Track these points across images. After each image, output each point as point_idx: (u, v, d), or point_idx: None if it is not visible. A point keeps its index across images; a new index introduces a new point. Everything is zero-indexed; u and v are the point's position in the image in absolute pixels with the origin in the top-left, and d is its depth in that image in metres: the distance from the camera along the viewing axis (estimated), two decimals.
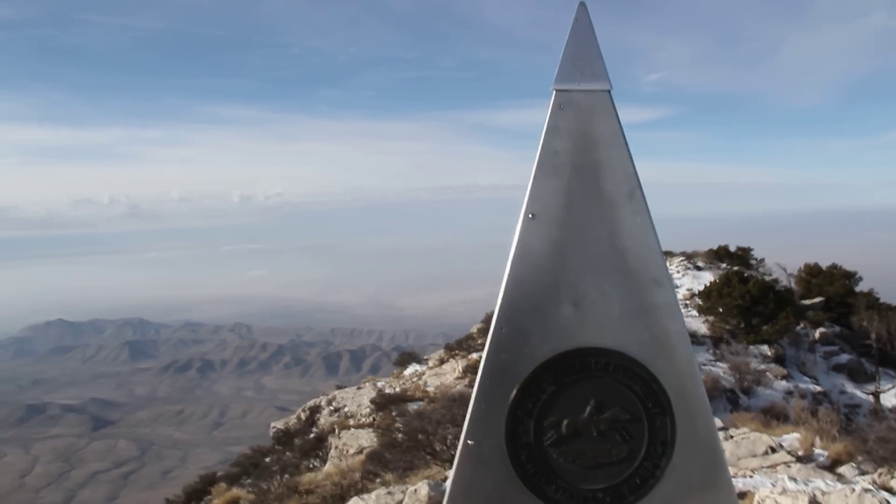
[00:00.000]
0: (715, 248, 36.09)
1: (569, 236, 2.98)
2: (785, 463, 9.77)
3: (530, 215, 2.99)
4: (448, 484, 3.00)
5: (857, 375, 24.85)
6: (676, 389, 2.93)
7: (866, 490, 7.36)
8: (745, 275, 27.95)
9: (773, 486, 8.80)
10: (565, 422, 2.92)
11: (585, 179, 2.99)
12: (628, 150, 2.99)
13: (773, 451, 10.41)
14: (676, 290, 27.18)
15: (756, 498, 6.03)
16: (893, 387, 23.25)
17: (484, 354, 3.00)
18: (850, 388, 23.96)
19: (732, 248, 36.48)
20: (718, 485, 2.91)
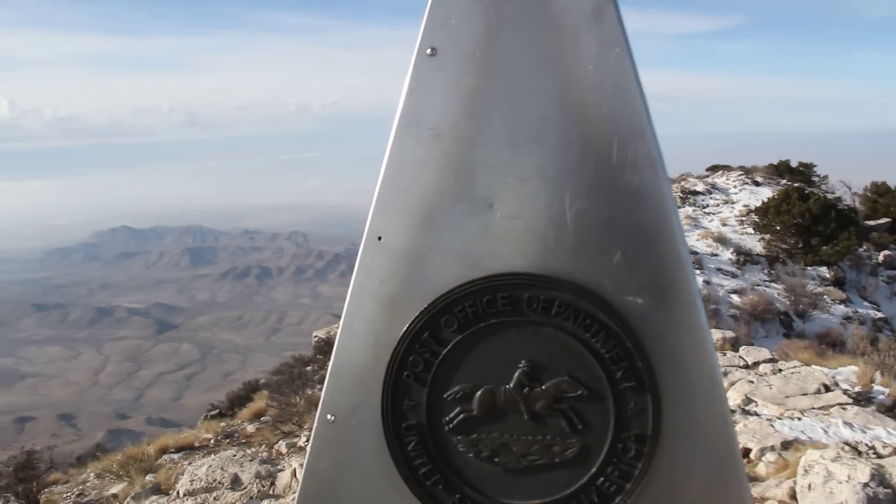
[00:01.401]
0: (776, 163, 34.09)
1: (491, 87, 1.77)
2: (840, 404, 8.51)
3: (428, 51, 1.77)
4: (299, 480, 1.92)
5: None
6: (667, 351, 1.75)
7: None
8: (806, 191, 26.28)
9: (826, 432, 7.57)
10: (479, 394, 1.80)
11: None
12: None
13: (828, 388, 9.15)
14: (732, 206, 25.64)
15: (802, 462, 4.87)
16: None
17: (352, 282, 1.85)
18: None
19: (794, 164, 34.46)
20: None
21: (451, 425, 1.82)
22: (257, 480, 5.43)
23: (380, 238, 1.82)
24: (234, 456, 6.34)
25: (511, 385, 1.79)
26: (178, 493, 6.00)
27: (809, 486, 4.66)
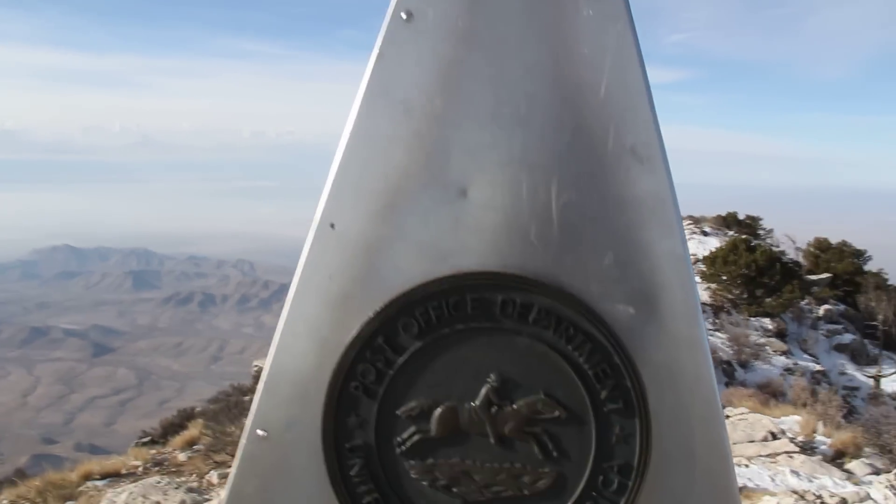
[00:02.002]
0: (724, 214, 34.85)
1: (472, 58, 1.54)
2: (787, 453, 8.43)
3: (403, 14, 1.53)
4: (225, 495, 1.62)
5: (860, 357, 24.16)
6: (661, 370, 1.51)
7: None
8: (753, 243, 26.88)
9: (773, 480, 7.45)
10: (438, 412, 1.54)
11: None
12: None
13: (774, 436, 9.08)
14: None
15: None
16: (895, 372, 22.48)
17: (296, 275, 1.57)
18: (851, 369, 23.21)
19: (742, 216, 35.32)
20: None
21: (403, 447, 1.54)
22: None
23: (332, 225, 1.55)
24: (159, 483, 5.89)
25: (477, 402, 1.53)
26: None
27: None
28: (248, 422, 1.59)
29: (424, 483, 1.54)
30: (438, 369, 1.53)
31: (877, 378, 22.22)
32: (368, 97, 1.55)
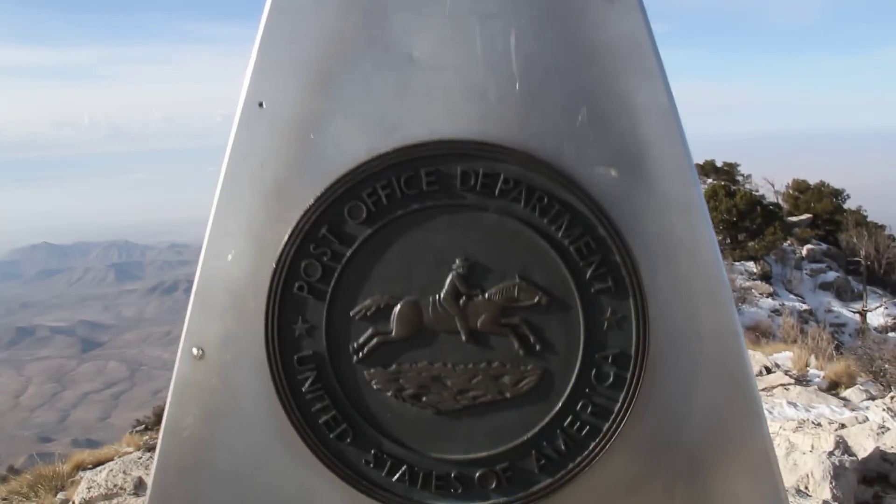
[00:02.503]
0: (701, 162, 34.96)
1: None
2: (782, 385, 8.36)
3: None
4: (159, 438, 1.40)
5: (844, 294, 24.44)
6: (654, 241, 1.30)
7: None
8: (733, 189, 26.95)
9: (771, 412, 7.37)
10: (398, 309, 1.31)
11: None
12: None
13: (769, 370, 9.02)
14: None
15: None
16: (880, 305, 22.77)
17: (223, 167, 1.34)
18: (837, 306, 23.47)
19: (719, 164, 35.40)
20: (744, 452, 1.32)
21: (361, 354, 1.33)
22: None
23: (261, 104, 1.32)
24: (140, 459, 5.68)
25: (442, 294, 1.31)
26: (72, 503, 5.30)
27: None
28: (182, 341, 1.37)
29: (389, 394, 1.33)
30: (394, 259, 1.31)
31: (862, 313, 22.49)
32: None
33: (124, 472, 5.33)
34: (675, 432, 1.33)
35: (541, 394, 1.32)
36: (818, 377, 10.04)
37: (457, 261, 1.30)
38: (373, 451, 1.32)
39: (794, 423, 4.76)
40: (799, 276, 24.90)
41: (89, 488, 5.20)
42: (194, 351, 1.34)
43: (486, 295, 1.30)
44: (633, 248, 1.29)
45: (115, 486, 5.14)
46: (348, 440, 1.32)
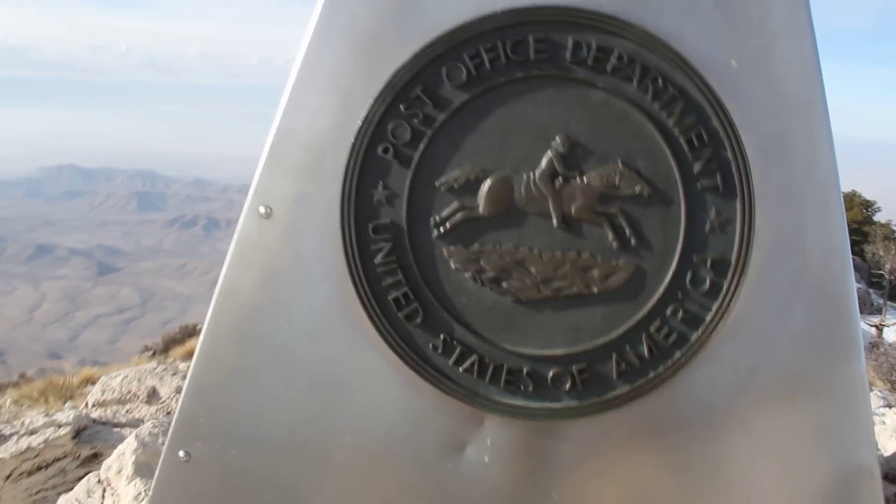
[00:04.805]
0: None
1: None
2: None
3: None
4: (212, 300, 1.32)
5: (863, 306, 24.20)
6: (770, 142, 1.19)
7: None
8: None
9: None
10: (488, 183, 1.21)
11: None
12: None
13: None
14: None
15: None
16: None
17: (315, 13, 1.24)
18: None
19: None
20: (836, 381, 1.22)
21: (442, 228, 1.23)
22: (178, 395, 4.78)
23: None
24: (155, 369, 5.69)
25: (537, 173, 1.21)
26: (87, 403, 5.32)
27: None
28: (248, 199, 1.28)
29: (467, 275, 1.23)
30: (490, 130, 1.21)
31: (879, 327, 22.35)
32: None
33: (139, 380, 5.33)
34: (766, 352, 1.23)
35: (630, 292, 1.22)
36: None
37: (557, 138, 1.20)
38: (442, 336, 1.23)
39: None
40: None
41: (104, 391, 5.22)
42: (261, 209, 1.25)
43: (585, 178, 1.20)
44: (746, 147, 1.18)
45: (128, 392, 5.15)
46: (417, 321, 1.23)
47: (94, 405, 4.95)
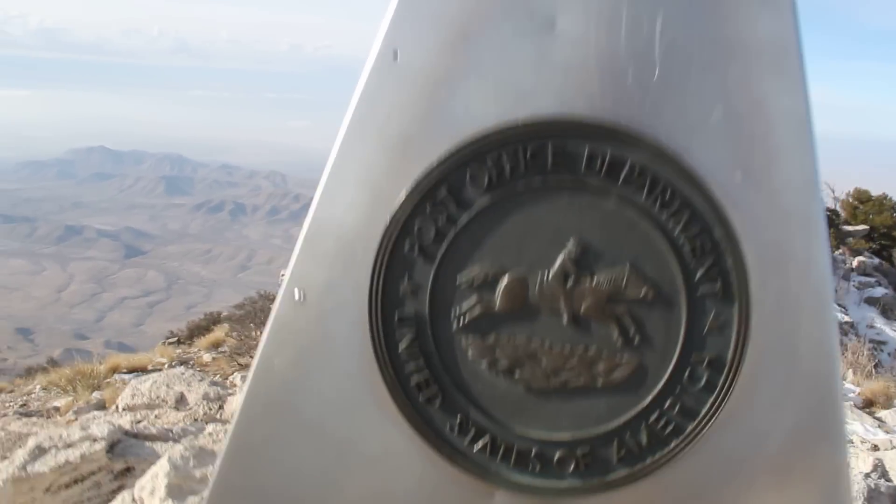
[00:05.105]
0: None
1: None
2: None
3: None
4: (249, 374, 1.44)
5: (890, 312, 23.70)
6: (768, 250, 1.27)
7: None
8: None
9: None
10: (505, 281, 1.31)
11: None
12: None
13: None
14: None
15: None
16: None
17: (349, 112, 1.34)
18: (880, 323, 22.80)
19: None
20: (820, 474, 1.31)
21: (461, 321, 1.33)
22: (204, 402, 4.96)
23: (395, 54, 1.31)
24: (183, 374, 5.86)
25: (551, 273, 1.31)
26: (117, 406, 5.51)
27: None
28: (284, 282, 1.39)
29: (483, 364, 1.34)
30: (508, 231, 1.30)
31: None
32: None
33: (167, 386, 5.51)
34: (755, 444, 1.32)
35: (632, 386, 1.32)
36: (853, 392, 9.89)
37: (570, 241, 1.29)
38: (459, 418, 1.34)
39: None
40: (846, 286, 24.33)
41: (133, 395, 5.40)
42: (296, 294, 1.37)
43: (595, 280, 1.30)
44: (746, 255, 1.27)
45: (157, 397, 5.33)
46: (437, 404, 1.34)
47: (124, 409, 5.13)
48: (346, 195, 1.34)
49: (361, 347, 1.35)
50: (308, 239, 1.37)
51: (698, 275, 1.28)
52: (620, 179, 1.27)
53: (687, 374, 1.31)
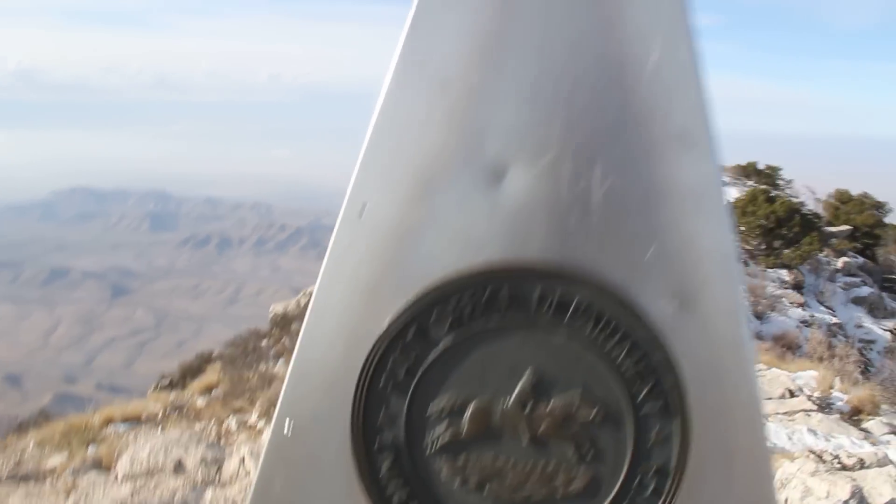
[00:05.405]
0: (743, 163, 34.29)
1: (513, 29, 1.43)
2: (805, 411, 8.42)
3: None
4: (249, 494, 1.58)
5: (877, 310, 23.90)
6: (702, 369, 1.43)
7: None
8: (773, 194, 26.46)
9: (790, 439, 7.47)
10: (471, 410, 1.46)
11: None
12: None
13: (792, 394, 9.07)
14: None
15: (778, 475, 4.67)
16: None
17: (324, 262, 1.50)
18: (868, 322, 22.98)
19: (761, 166, 34.77)
20: None
21: (435, 446, 1.48)
22: (202, 466, 5.05)
23: (363, 208, 1.47)
24: (180, 438, 5.95)
25: (511, 401, 1.46)
26: (116, 475, 5.59)
27: (786, 501, 4.45)
28: (276, 412, 1.54)
29: (455, 483, 1.49)
30: (472, 365, 1.46)
31: (894, 332, 22.13)
32: (401, 71, 1.45)
33: (165, 451, 5.60)
34: None
35: (588, 496, 1.47)
36: (841, 401, 10.03)
37: (527, 372, 1.45)
38: None
39: (812, 466, 4.86)
40: (832, 288, 24.53)
41: (132, 463, 5.49)
42: (286, 423, 1.51)
43: (550, 405, 1.45)
44: (684, 376, 1.42)
45: (156, 463, 5.42)
46: None
47: (123, 477, 5.21)
48: (326, 338, 1.49)
49: (347, 472, 1.50)
50: (294, 376, 1.52)
51: (641, 395, 1.43)
52: (568, 315, 1.43)
53: (636, 482, 1.46)
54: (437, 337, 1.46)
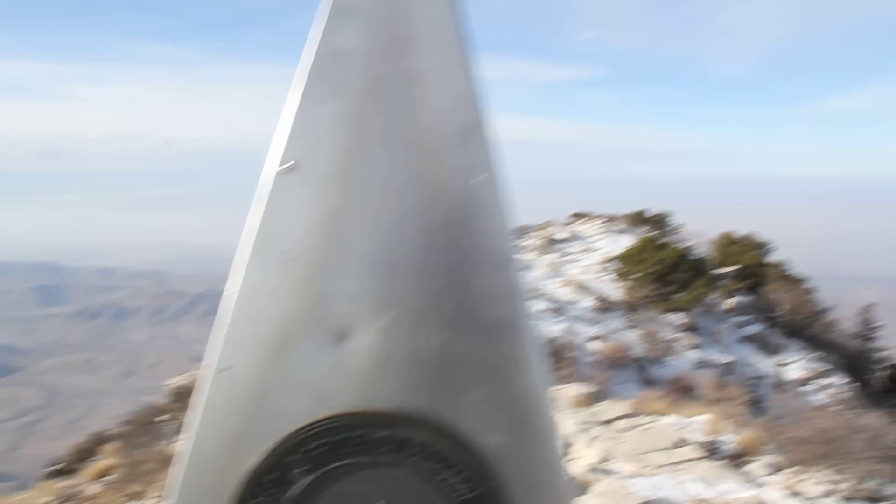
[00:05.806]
0: (634, 212, 35.77)
1: (353, 207, 1.68)
2: (693, 459, 8.88)
3: (287, 164, 1.66)
4: None
5: (766, 347, 25.11)
6: (530, 489, 1.70)
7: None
8: (662, 242, 27.71)
9: (677, 488, 7.88)
10: None
11: (388, 104, 1.67)
12: (468, 55, 1.68)
13: (681, 443, 9.53)
14: (593, 253, 26.69)
15: None
16: (799, 359, 23.62)
17: (195, 416, 1.68)
18: (757, 359, 24.14)
19: (651, 213, 36.35)
20: None
21: None
22: None
23: (227, 369, 1.66)
24: None
25: None
26: None
27: None
28: None
29: None
30: (330, 500, 1.66)
31: (780, 367, 23.24)
32: (257, 248, 1.67)
33: None
34: None
35: None
36: (729, 444, 10.56)
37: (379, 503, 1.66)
38: None
39: None
40: (723, 328, 25.68)
41: None
42: None
43: None
44: (513, 496, 1.67)
45: None
46: None
47: None
48: (197, 487, 1.66)
49: None
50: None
51: None
52: (408, 454, 1.66)
53: None
54: (296, 479, 1.66)
